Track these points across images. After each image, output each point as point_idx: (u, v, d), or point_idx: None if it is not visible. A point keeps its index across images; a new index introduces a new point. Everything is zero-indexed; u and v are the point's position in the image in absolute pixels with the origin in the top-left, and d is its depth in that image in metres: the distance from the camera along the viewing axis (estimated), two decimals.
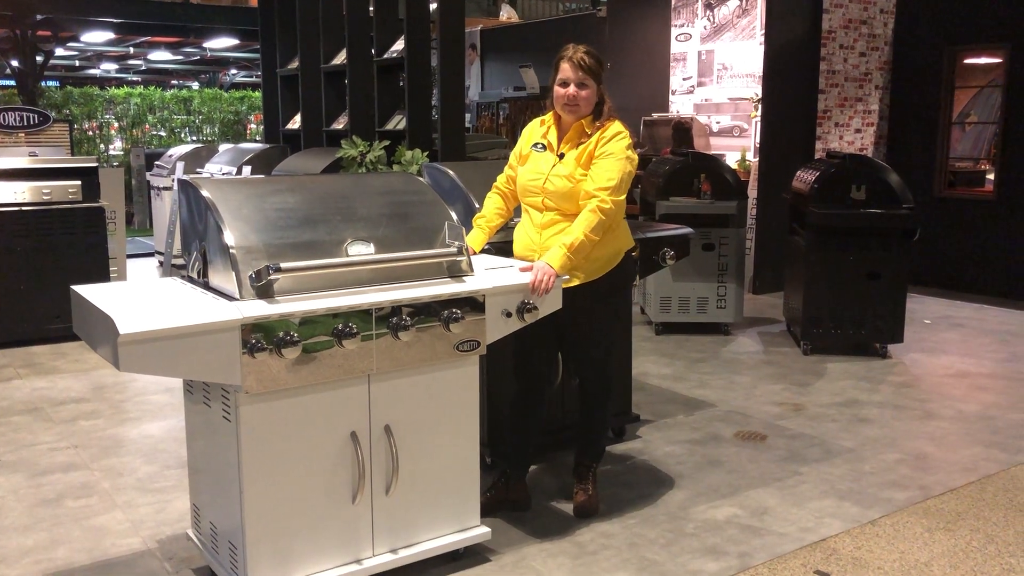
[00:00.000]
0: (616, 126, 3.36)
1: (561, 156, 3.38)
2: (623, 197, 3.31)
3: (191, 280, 2.97)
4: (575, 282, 3.32)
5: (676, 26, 8.86)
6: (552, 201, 3.35)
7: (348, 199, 3.07)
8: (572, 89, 3.33)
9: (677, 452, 4.29)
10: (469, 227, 3.56)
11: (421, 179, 3.43)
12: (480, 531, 3.18)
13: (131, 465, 4.15)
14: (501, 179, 3.63)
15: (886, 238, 5.81)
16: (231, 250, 2.68)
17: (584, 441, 3.71)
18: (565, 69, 3.35)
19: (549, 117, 3.48)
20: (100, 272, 6.42)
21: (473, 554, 3.22)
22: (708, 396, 5.18)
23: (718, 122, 8.57)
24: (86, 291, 2.79)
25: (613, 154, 3.29)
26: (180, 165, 9.06)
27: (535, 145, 3.48)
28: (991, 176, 8.41)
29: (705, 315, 6.50)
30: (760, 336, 6.60)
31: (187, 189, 2.97)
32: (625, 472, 4.06)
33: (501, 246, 3.65)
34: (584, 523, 3.51)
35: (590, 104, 3.36)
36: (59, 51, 17.77)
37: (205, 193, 2.82)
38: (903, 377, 5.58)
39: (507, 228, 3.66)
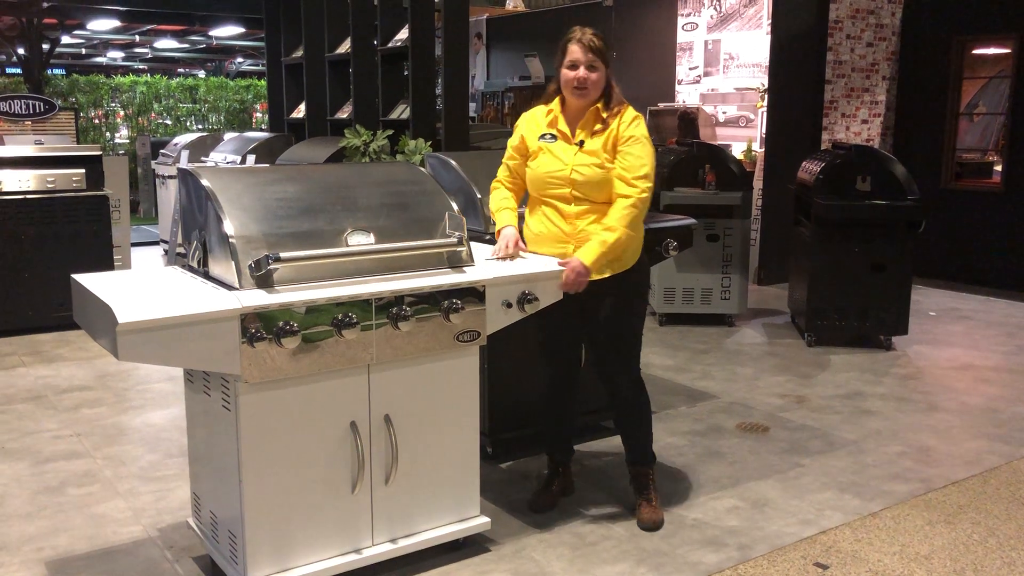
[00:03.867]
0: (631, 110, 3.28)
1: (580, 144, 3.25)
2: (653, 182, 3.25)
3: (191, 269, 2.97)
4: (606, 273, 3.26)
5: (683, 15, 8.81)
6: (581, 192, 3.22)
7: (349, 188, 3.06)
8: (582, 71, 3.19)
9: (679, 443, 4.29)
10: (470, 217, 3.54)
11: (423, 169, 3.41)
12: (480, 521, 3.19)
13: (133, 453, 4.16)
14: (503, 174, 3.47)
15: (891, 230, 5.79)
16: (231, 239, 2.67)
17: (633, 445, 3.50)
18: (574, 51, 3.21)
19: (555, 105, 3.34)
20: (104, 261, 6.43)
21: (473, 544, 3.23)
22: (711, 387, 5.17)
23: (724, 112, 8.53)
24: (86, 280, 2.80)
25: (639, 139, 3.21)
26: (185, 154, 9.06)
27: (543, 136, 3.32)
28: (999, 168, 8.36)
29: (709, 306, 6.49)
30: (764, 327, 6.58)
31: (187, 178, 2.96)
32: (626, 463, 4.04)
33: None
34: (583, 513, 3.51)
35: (599, 87, 3.24)
36: (65, 39, 17.77)
37: (205, 182, 2.81)
38: (907, 369, 5.56)
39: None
